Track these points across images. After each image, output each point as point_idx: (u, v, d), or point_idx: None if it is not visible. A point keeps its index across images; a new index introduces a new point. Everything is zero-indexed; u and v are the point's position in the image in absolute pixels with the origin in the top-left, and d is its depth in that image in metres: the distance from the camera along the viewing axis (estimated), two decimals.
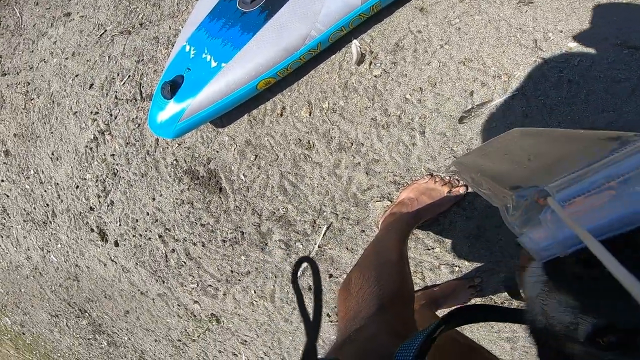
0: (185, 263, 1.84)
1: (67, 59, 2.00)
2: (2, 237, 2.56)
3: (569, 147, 0.45)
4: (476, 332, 1.34)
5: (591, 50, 1.09)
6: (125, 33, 1.86)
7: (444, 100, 1.24)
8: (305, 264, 0.48)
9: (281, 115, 1.46)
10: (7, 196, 2.39)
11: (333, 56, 1.39)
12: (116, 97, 1.85)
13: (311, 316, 0.45)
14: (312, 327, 0.43)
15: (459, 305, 1.31)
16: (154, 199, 1.81)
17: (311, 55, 1.35)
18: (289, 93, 1.45)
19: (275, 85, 1.42)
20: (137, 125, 1.79)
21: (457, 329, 1.28)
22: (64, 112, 2.03)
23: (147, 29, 1.80)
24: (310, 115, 1.41)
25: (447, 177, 1.25)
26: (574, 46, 1.10)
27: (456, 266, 1.31)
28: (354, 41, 1.36)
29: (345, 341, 0.65)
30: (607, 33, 1.08)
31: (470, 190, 1.22)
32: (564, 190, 0.36)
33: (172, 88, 1.36)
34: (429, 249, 1.32)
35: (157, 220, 1.83)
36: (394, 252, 0.94)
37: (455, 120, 1.23)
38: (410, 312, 0.80)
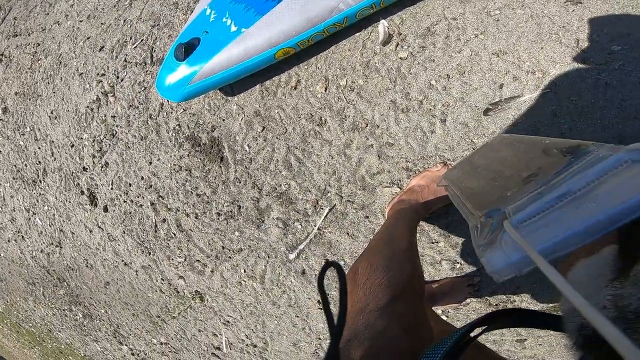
0: (175, 235, 1.79)
1: (81, 21, 1.97)
2: None
3: (537, 161, 0.47)
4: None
5: (635, 56, 1.06)
6: None
7: (471, 90, 1.20)
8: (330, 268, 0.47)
9: (295, 88, 1.42)
10: (0, 152, 2.34)
11: (358, 34, 1.36)
12: (125, 60, 1.81)
13: (335, 319, 0.43)
14: (336, 331, 0.42)
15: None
16: (150, 163, 1.77)
17: (335, 29, 1.32)
18: (306, 66, 1.41)
19: (293, 56, 1.39)
20: (143, 89, 1.75)
21: None
22: (69, 73, 1.98)
23: None
24: (325, 90, 1.38)
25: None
26: (617, 49, 1.07)
27: (458, 263, 1.27)
28: (382, 21, 1.33)
29: (353, 338, 0.61)
30: None
31: None
32: (521, 211, 0.38)
33: (187, 50, 1.33)
34: (433, 243, 1.28)
35: (151, 186, 1.79)
36: (403, 240, 0.90)
37: (480, 112, 1.19)
38: (422, 304, 0.76)
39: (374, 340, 0.60)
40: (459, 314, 1.32)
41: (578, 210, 0.33)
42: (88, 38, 1.93)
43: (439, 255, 1.29)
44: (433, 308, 1.28)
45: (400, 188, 1.29)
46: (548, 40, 1.13)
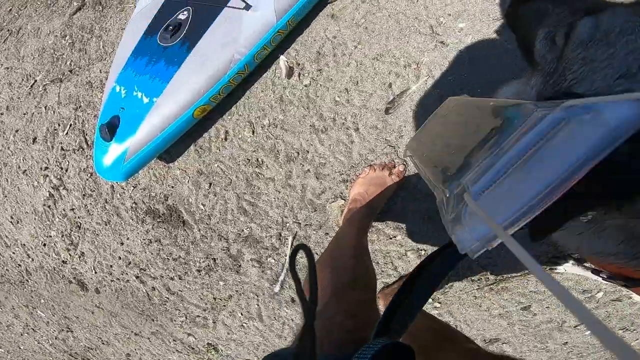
0: (168, 298, 1.93)
1: (2, 114, 2.07)
2: None
3: (487, 123, 0.45)
4: (466, 313, 1.43)
5: (481, 28, 1.23)
6: (57, 81, 1.95)
7: (368, 96, 1.37)
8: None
9: (226, 139, 1.57)
10: None
11: (265, 74, 1.51)
12: (62, 149, 1.93)
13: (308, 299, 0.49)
14: (309, 310, 0.47)
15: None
16: (122, 244, 1.90)
17: (241, 77, 1.46)
18: (229, 117, 1.56)
19: (213, 111, 1.53)
20: (89, 175, 1.88)
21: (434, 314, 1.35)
22: (12, 172, 2.10)
23: (77, 74, 1.90)
24: (253, 134, 1.53)
25: (384, 162, 1.38)
26: (464, 26, 1.25)
27: (421, 250, 1.43)
28: (281, 57, 1.48)
29: None
30: (490, 10, 1.23)
31: (409, 166, 1.36)
32: (477, 182, 0.37)
33: (110, 129, 1.45)
34: (390, 238, 1.45)
35: (130, 263, 1.93)
36: (350, 244, 1.04)
37: (382, 113, 1.36)
38: (370, 298, 0.86)
39: (323, 326, 0.68)
40: None
41: (529, 175, 0.32)
42: (17, 131, 2.04)
43: (401, 248, 1.45)
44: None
45: (344, 199, 1.45)
46: (409, 33, 1.31)
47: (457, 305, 1.40)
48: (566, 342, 1.32)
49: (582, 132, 0.29)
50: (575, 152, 0.29)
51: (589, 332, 1.29)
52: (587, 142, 0.28)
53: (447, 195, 0.44)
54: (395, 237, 1.44)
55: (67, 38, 2.05)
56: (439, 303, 1.45)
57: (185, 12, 1.53)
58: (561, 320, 1.31)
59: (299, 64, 1.46)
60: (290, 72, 1.47)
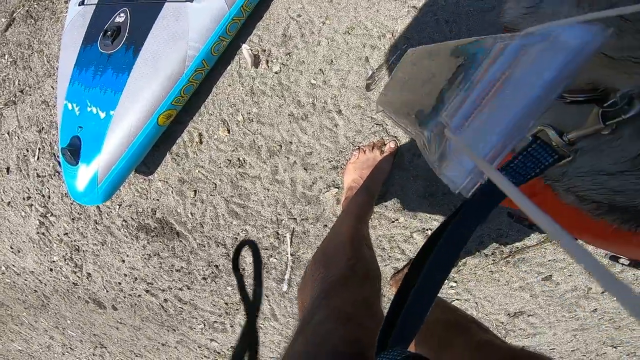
0: (182, 308, 1.92)
1: None
2: (17, 325, 2.73)
3: (452, 62, 0.44)
4: (485, 289, 1.37)
5: None
6: (11, 104, 1.88)
7: (345, 74, 1.25)
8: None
9: (201, 142, 1.48)
10: None
11: (229, 67, 1.39)
12: (38, 175, 1.88)
13: (251, 297, 0.46)
14: (252, 308, 0.45)
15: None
16: (123, 261, 1.87)
17: (201, 74, 1.35)
18: (199, 118, 1.46)
19: (180, 114, 1.44)
20: (73, 199, 1.83)
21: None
22: None
23: (30, 94, 1.82)
24: (229, 132, 1.43)
25: (373, 142, 1.28)
26: None
27: (427, 229, 1.36)
28: (243, 45, 1.36)
29: (300, 332, 0.64)
30: None
31: (402, 140, 1.26)
32: (455, 116, 0.37)
33: (73, 152, 1.37)
34: (393, 222, 1.37)
35: (137, 279, 1.90)
36: (345, 236, 0.94)
37: (363, 90, 1.25)
38: (369, 295, 0.76)
39: (314, 334, 0.62)
40: None
41: (503, 104, 0.33)
42: None
43: (406, 230, 1.37)
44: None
45: (338, 187, 1.36)
46: (379, 1, 1.18)
47: (474, 282, 1.34)
48: (595, 309, 1.27)
49: (544, 58, 0.30)
50: (542, 76, 0.29)
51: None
52: (552, 65, 0.29)
53: (427, 137, 0.44)
54: (397, 219, 1.36)
55: (6, 57, 1.95)
56: (455, 282, 1.39)
57: (122, 15, 1.40)
58: (586, 287, 1.25)
59: (265, 51, 1.34)
60: (256, 61, 1.35)
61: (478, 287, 1.35)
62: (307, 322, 0.65)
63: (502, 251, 1.27)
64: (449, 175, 0.36)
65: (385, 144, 1.27)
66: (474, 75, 0.37)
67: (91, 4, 1.51)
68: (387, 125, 1.27)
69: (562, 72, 0.28)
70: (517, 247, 1.25)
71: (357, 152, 1.29)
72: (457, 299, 1.40)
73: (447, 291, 1.39)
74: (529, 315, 1.33)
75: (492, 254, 1.29)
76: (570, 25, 0.29)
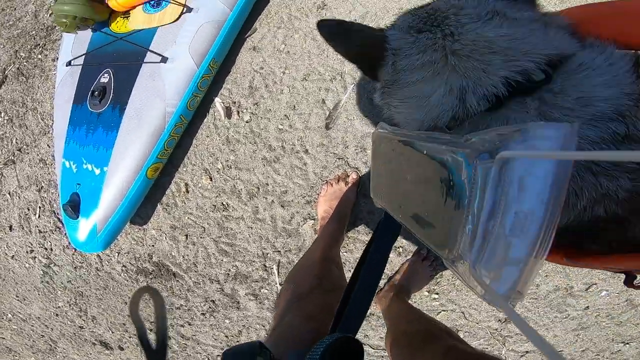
0: (186, 344, 2.04)
1: None
2: None
3: (430, 171, 0.45)
4: (467, 298, 1.46)
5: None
6: (10, 163, 2.03)
7: (307, 117, 1.43)
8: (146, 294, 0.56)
9: (187, 191, 1.63)
10: (3, 338, 2.61)
11: (205, 120, 1.56)
12: (40, 231, 2.02)
13: (154, 346, 0.49)
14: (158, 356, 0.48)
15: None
16: (126, 303, 2.00)
17: (181, 129, 1.52)
18: (184, 169, 1.62)
19: (166, 167, 1.59)
20: (74, 250, 1.97)
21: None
22: (1, 260, 2.20)
23: (27, 152, 1.98)
24: (211, 180, 1.59)
25: (338, 175, 1.45)
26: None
27: (399, 247, 1.50)
28: (216, 99, 1.54)
29: (269, 334, 0.75)
30: (389, 7, 1.27)
31: (363, 170, 1.42)
32: (468, 252, 0.36)
33: (74, 207, 1.52)
34: (365, 243, 1.52)
35: None
36: (315, 256, 1.09)
37: (323, 129, 1.42)
38: (332, 299, 0.83)
39: (282, 331, 0.74)
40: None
41: (513, 234, 0.33)
42: None
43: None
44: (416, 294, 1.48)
45: (314, 219, 1.52)
46: (327, 47, 1.36)
47: (455, 292, 1.47)
48: (587, 307, 1.35)
49: (536, 173, 0.31)
50: (543, 193, 0.31)
51: (604, 292, 1.33)
52: (547, 180, 0.31)
53: (449, 259, 0.42)
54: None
55: (2, 115, 2.11)
56: (437, 294, 1.50)
57: (106, 75, 1.58)
58: (567, 286, 1.34)
59: (235, 102, 1.51)
60: (229, 112, 1.52)
61: (460, 297, 1.47)
62: (279, 323, 0.78)
63: None
64: (488, 293, 0.36)
65: (348, 176, 1.43)
66: (471, 203, 0.36)
67: (77, 65, 1.69)
68: (347, 158, 1.43)
69: (559, 182, 0.30)
70: None
71: (326, 185, 1.45)
72: (442, 310, 1.50)
73: (431, 303, 1.50)
74: None
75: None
76: (538, 126, 0.31)
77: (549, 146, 0.30)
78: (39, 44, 2.19)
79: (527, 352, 1.43)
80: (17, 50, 2.22)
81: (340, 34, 0.64)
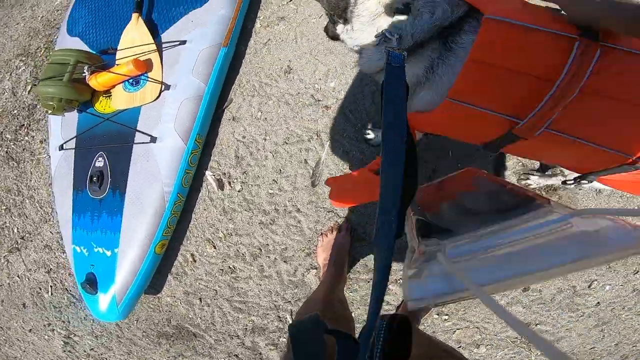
0: None
1: None
2: None
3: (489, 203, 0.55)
4: (476, 314, 1.56)
5: (347, 80, 1.45)
6: (15, 250, 2.13)
7: (294, 178, 1.57)
8: None
9: (194, 261, 1.75)
10: None
11: (200, 194, 1.69)
12: (54, 307, 2.13)
13: None
14: None
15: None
16: None
17: (180, 206, 1.64)
18: (188, 241, 1.74)
19: (172, 242, 1.71)
20: (92, 321, 2.08)
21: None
22: (19, 333, 2.29)
23: (31, 240, 2.08)
24: (215, 248, 1.71)
25: (331, 226, 1.58)
26: (334, 85, 1.47)
27: (398, 280, 1.63)
28: (207, 172, 1.65)
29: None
30: (346, 62, 1.39)
31: (353, 219, 1.54)
32: (456, 248, 0.44)
33: (91, 284, 1.63)
34: (368, 281, 1.64)
35: None
36: (319, 296, 1.21)
37: (310, 188, 1.56)
38: (337, 325, 0.92)
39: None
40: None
41: (517, 257, 0.39)
42: (2, 301, 2.23)
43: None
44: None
45: (316, 268, 1.64)
46: (299, 109, 1.51)
47: (463, 310, 1.58)
48: (598, 303, 1.41)
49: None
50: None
51: (607, 287, 1.39)
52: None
53: (421, 249, 0.52)
54: (371, 279, 1.63)
55: None
56: (446, 315, 1.62)
57: (101, 159, 1.68)
58: (570, 286, 1.42)
59: (225, 174, 1.63)
60: (221, 184, 1.64)
61: (470, 313, 1.57)
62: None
63: None
64: (410, 289, 0.44)
65: (338, 226, 1.56)
66: (503, 224, 0.46)
67: (70, 148, 1.79)
68: (336, 210, 1.56)
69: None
70: None
71: (321, 237, 1.57)
72: (457, 329, 1.59)
73: (443, 324, 1.61)
74: (536, 325, 1.50)
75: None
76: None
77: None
78: (24, 124, 2.28)
79: None
80: (1, 132, 2.30)
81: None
